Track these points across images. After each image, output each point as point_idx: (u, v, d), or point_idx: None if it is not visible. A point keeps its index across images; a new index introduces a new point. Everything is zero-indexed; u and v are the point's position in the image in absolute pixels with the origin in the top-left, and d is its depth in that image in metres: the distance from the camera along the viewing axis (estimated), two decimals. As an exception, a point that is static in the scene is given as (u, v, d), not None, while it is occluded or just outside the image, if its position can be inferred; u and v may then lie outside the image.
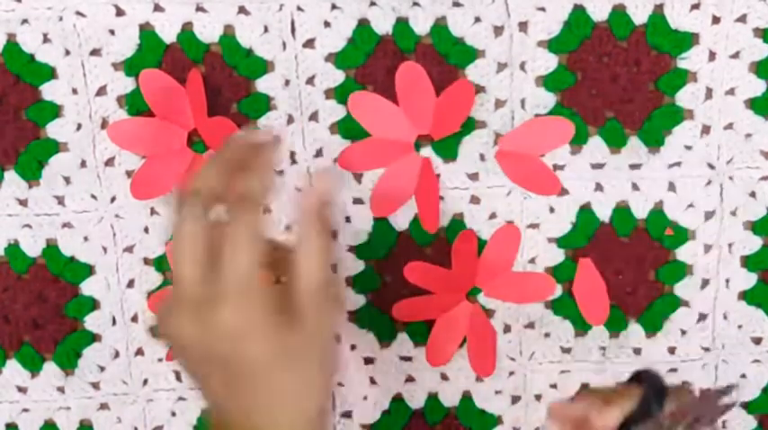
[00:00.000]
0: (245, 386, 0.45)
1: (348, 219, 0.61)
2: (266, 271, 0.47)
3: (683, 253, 0.61)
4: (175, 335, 0.45)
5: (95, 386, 0.62)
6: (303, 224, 0.46)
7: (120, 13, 0.57)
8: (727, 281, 0.62)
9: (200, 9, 0.57)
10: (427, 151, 0.60)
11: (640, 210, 0.60)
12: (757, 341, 0.63)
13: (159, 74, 0.57)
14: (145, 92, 0.57)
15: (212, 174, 0.46)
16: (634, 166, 0.60)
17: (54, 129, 0.59)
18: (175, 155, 0.58)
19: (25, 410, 0.63)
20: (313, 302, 0.45)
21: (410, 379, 0.63)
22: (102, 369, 0.62)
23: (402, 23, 0.58)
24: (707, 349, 0.63)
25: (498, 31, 0.58)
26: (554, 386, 0.63)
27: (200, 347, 0.44)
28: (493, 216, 0.60)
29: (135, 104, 0.58)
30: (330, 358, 0.47)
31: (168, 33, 0.58)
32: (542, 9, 0.57)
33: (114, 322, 0.61)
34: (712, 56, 0.58)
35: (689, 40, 0.58)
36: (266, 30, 0.58)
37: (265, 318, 0.44)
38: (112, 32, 0.58)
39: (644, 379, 0.50)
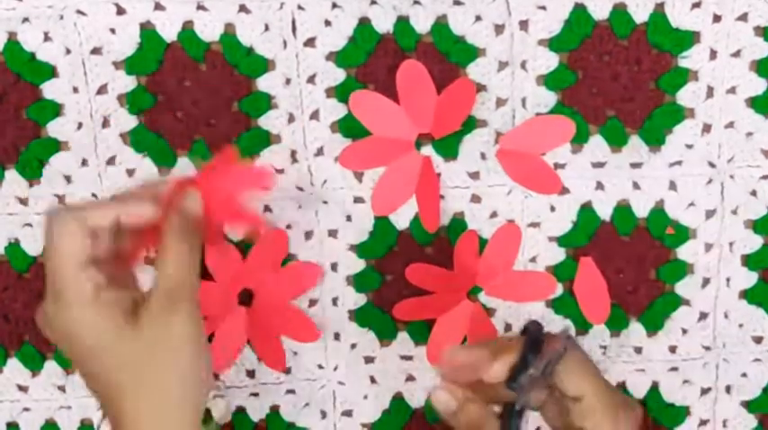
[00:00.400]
0: (95, 383, 0.47)
1: (349, 218, 0.61)
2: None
3: (684, 252, 0.61)
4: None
5: (96, 385, 0.62)
6: (169, 224, 0.47)
7: (120, 11, 0.57)
8: (728, 279, 0.62)
9: (200, 8, 0.57)
10: (428, 150, 0.60)
11: (641, 209, 0.60)
12: (758, 340, 0.63)
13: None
14: None
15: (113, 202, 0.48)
16: (635, 165, 0.60)
17: (55, 128, 0.59)
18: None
19: (26, 409, 0.63)
20: (156, 312, 0.45)
21: (410, 378, 0.63)
22: (103, 368, 0.62)
23: (403, 22, 0.58)
24: (708, 348, 0.63)
25: (499, 29, 0.58)
26: (555, 385, 0.63)
27: (57, 345, 0.47)
28: (494, 215, 0.60)
29: (135, 103, 0.58)
30: (187, 361, 0.46)
31: (169, 32, 0.58)
32: (543, 8, 0.57)
33: (115, 321, 0.61)
34: (713, 54, 0.58)
35: (690, 38, 0.58)
36: (267, 28, 0.58)
37: (95, 323, 0.45)
38: (113, 31, 0.58)
39: (526, 331, 0.50)
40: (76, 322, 0.45)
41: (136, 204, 0.47)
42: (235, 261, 0.60)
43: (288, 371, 0.63)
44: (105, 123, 0.59)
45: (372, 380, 0.63)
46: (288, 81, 0.58)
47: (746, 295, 0.62)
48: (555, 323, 0.62)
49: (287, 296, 0.60)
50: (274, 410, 0.63)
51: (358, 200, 0.60)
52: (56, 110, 0.59)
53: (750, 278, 0.62)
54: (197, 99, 0.59)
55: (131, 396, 0.46)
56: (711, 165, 0.60)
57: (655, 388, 0.63)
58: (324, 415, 0.63)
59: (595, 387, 0.50)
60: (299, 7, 0.57)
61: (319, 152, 0.60)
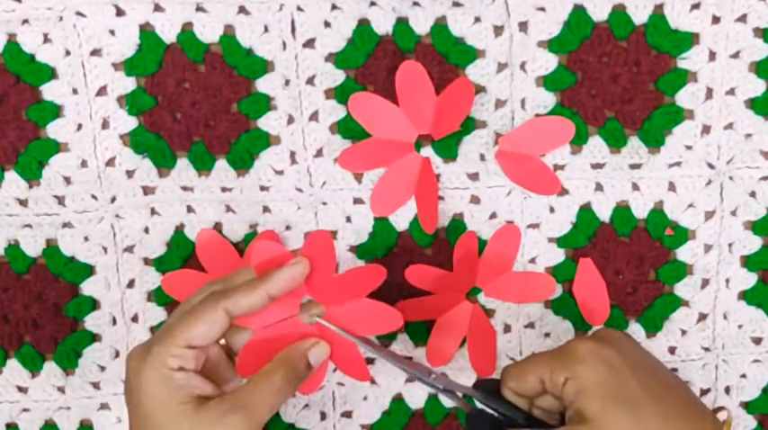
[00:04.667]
0: None
1: (348, 219, 0.61)
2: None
3: (684, 253, 0.61)
4: None
5: (96, 386, 0.62)
6: (280, 355, 0.53)
7: (120, 13, 0.57)
8: (728, 281, 0.62)
9: (200, 9, 0.57)
10: (427, 151, 0.60)
11: (640, 210, 0.60)
12: (757, 341, 0.63)
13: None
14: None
15: (236, 276, 0.54)
16: (634, 166, 0.60)
17: (54, 130, 0.59)
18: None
19: (25, 410, 0.63)
20: (239, 409, 0.50)
21: (410, 379, 0.63)
22: (103, 369, 0.62)
23: (402, 23, 0.58)
24: (707, 349, 0.63)
25: (498, 31, 0.58)
26: (554, 386, 0.63)
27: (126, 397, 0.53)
28: (493, 216, 0.60)
29: (135, 105, 0.58)
30: None
31: (168, 33, 0.58)
32: (542, 9, 0.57)
33: (114, 322, 0.61)
34: (712, 56, 0.58)
35: (689, 40, 0.58)
36: (266, 30, 0.58)
37: (158, 385, 0.50)
38: (113, 33, 0.58)
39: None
40: (145, 385, 0.50)
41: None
42: (230, 257, 0.60)
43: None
44: (105, 124, 0.59)
45: (372, 381, 0.63)
46: (287, 82, 0.58)
47: (746, 296, 0.62)
48: (554, 324, 0.62)
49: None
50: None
51: (357, 201, 0.60)
52: (55, 111, 0.59)
53: (749, 279, 0.62)
54: (196, 100, 0.59)
55: None
56: (711, 166, 0.60)
57: (654, 389, 0.63)
58: (323, 416, 0.63)
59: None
60: (299, 8, 0.57)
61: (319, 153, 0.60)
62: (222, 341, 0.54)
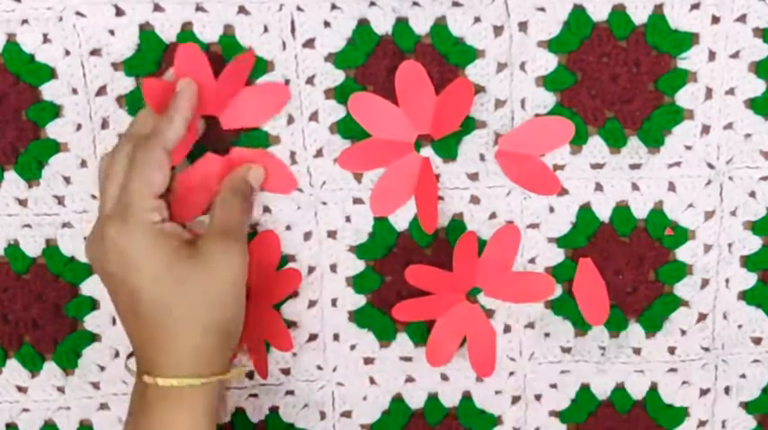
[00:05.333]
0: (138, 310, 0.52)
1: (348, 219, 0.61)
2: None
3: (683, 253, 0.61)
4: (87, 254, 0.54)
5: (95, 386, 0.62)
6: (224, 184, 0.56)
7: (119, 13, 0.57)
8: (727, 281, 0.62)
9: (199, 9, 0.57)
10: (427, 151, 0.60)
11: (640, 210, 0.60)
12: (757, 341, 0.63)
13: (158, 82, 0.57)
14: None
15: (141, 121, 0.55)
16: (634, 166, 0.60)
17: (54, 130, 0.59)
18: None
19: (25, 410, 0.63)
20: (215, 244, 0.52)
21: (410, 379, 0.63)
22: (103, 369, 0.62)
23: (402, 23, 0.58)
24: (707, 349, 0.63)
25: (498, 31, 0.58)
26: (554, 386, 0.63)
27: (98, 265, 0.53)
28: (493, 216, 0.61)
29: (135, 105, 0.58)
30: (228, 299, 0.53)
31: (168, 33, 0.58)
32: (542, 9, 0.57)
33: (114, 322, 0.61)
34: (712, 56, 0.58)
35: (689, 39, 0.58)
36: (266, 30, 0.58)
37: (152, 242, 0.51)
38: (112, 32, 0.58)
39: None
40: (138, 241, 0.51)
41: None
42: None
43: (287, 372, 0.63)
44: (104, 124, 0.59)
45: (372, 381, 0.63)
46: (287, 82, 0.58)
47: (745, 296, 0.62)
48: (554, 324, 0.62)
49: (270, 300, 0.60)
50: (274, 411, 0.63)
51: (357, 201, 0.60)
52: (55, 111, 0.59)
53: (749, 279, 0.62)
54: (196, 100, 0.59)
55: (171, 319, 0.51)
56: (710, 166, 0.60)
57: (654, 389, 0.63)
58: (323, 416, 0.63)
59: None
60: (299, 8, 0.57)
61: (318, 153, 0.60)
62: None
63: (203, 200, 0.57)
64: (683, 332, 0.62)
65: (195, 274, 0.52)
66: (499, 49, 0.58)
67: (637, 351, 0.62)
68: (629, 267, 0.61)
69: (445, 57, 0.58)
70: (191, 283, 0.51)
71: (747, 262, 0.61)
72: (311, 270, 0.61)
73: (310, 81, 0.59)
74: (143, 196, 0.52)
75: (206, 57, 0.56)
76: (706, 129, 0.59)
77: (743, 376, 0.63)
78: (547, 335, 0.62)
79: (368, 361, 0.63)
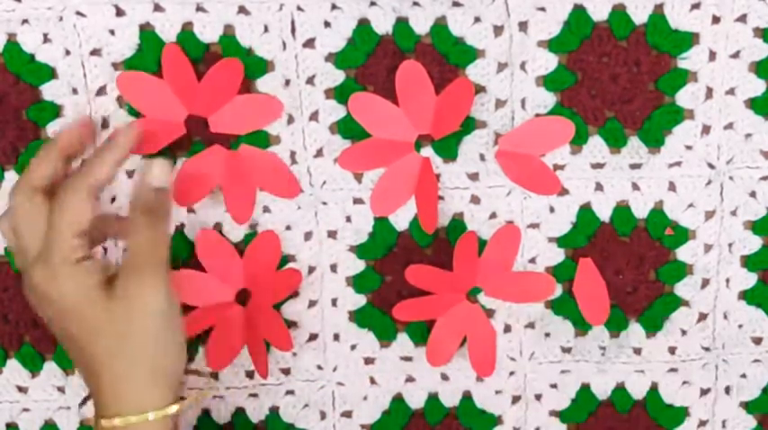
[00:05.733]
0: (76, 351, 0.52)
1: (348, 219, 0.61)
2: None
3: (684, 253, 0.61)
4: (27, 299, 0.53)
5: (95, 386, 0.62)
6: (130, 201, 0.53)
7: (120, 13, 0.57)
8: (728, 280, 0.62)
9: (200, 9, 0.57)
10: (427, 151, 0.60)
11: (640, 210, 0.60)
12: (757, 341, 0.63)
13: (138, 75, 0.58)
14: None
15: (42, 161, 0.54)
16: (634, 166, 0.60)
17: (54, 130, 0.59)
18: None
19: (25, 410, 0.63)
20: (128, 278, 0.51)
21: (410, 379, 0.63)
22: (103, 369, 0.62)
23: (402, 23, 0.58)
24: (707, 349, 0.63)
25: (498, 30, 0.58)
26: (554, 386, 0.63)
27: (37, 311, 0.52)
28: (493, 216, 0.61)
29: (135, 104, 0.59)
30: (151, 333, 0.51)
31: (168, 33, 0.58)
32: (542, 9, 0.57)
33: (114, 322, 0.61)
34: (712, 56, 0.58)
35: (689, 39, 0.58)
36: (266, 29, 0.58)
37: (74, 281, 0.50)
38: (112, 32, 0.58)
39: None
40: (60, 283, 0.50)
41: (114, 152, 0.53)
42: (230, 257, 0.60)
43: (287, 372, 0.63)
44: (105, 124, 0.59)
45: (372, 380, 0.63)
46: (287, 82, 0.58)
47: (746, 296, 0.62)
48: (554, 324, 0.62)
49: (270, 300, 0.60)
50: (274, 411, 0.63)
51: (357, 201, 0.60)
52: (55, 111, 0.59)
53: (749, 279, 0.62)
54: (196, 100, 0.59)
55: (107, 360, 0.51)
56: (711, 166, 0.60)
57: (654, 389, 0.63)
58: (323, 415, 0.63)
59: None
60: (299, 8, 0.57)
61: (319, 153, 0.60)
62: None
63: (204, 189, 0.58)
64: (684, 332, 0.62)
65: (114, 312, 0.50)
66: (499, 48, 0.58)
67: (637, 351, 0.62)
68: (630, 267, 0.61)
69: (445, 57, 0.58)
70: (113, 321, 0.50)
71: (748, 262, 0.61)
72: (311, 270, 0.61)
73: (310, 81, 0.59)
74: (64, 237, 0.50)
75: (183, 55, 0.57)
76: (706, 129, 0.59)
77: (743, 376, 0.63)
78: (547, 334, 0.62)
79: (368, 361, 0.63)
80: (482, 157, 0.60)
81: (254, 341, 0.60)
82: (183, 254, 0.60)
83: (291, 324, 0.62)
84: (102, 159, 0.53)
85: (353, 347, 0.63)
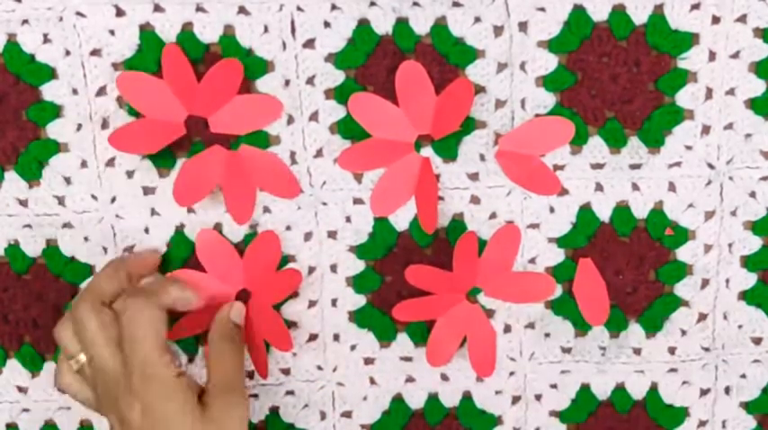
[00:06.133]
0: None
1: (348, 220, 0.61)
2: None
3: (683, 253, 0.61)
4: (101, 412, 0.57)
5: (95, 386, 0.62)
6: (211, 333, 0.57)
7: (120, 13, 0.57)
8: (728, 281, 0.62)
9: (200, 9, 0.57)
10: (427, 151, 0.60)
11: (640, 210, 0.60)
12: (757, 341, 0.63)
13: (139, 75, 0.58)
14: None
15: (110, 277, 0.57)
16: (634, 166, 0.60)
17: (54, 130, 0.59)
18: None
19: (25, 410, 0.63)
20: (219, 399, 0.55)
21: (410, 379, 0.63)
22: (103, 369, 0.62)
23: (402, 23, 0.58)
24: (707, 349, 0.63)
25: (498, 31, 0.58)
26: (554, 386, 0.63)
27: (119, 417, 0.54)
28: (493, 216, 0.61)
29: (135, 104, 0.59)
30: None
31: (168, 33, 0.58)
32: (542, 9, 0.57)
33: (114, 322, 0.61)
34: (712, 56, 0.58)
35: (689, 40, 0.58)
36: (266, 30, 0.58)
37: (177, 398, 0.53)
38: (112, 33, 0.58)
39: None
40: (167, 397, 0.53)
41: (185, 292, 0.58)
42: (230, 258, 0.60)
43: (287, 372, 0.63)
44: (105, 125, 0.59)
45: (372, 381, 0.63)
46: (287, 82, 0.59)
47: (746, 296, 0.62)
48: (554, 324, 0.62)
49: (270, 300, 0.60)
50: (274, 411, 0.63)
51: (357, 201, 0.60)
52: (55, 111, 0.59)
53: (749, 279, 0.62)
54: (196, 100, 0.59)
55: None
56: (710, 166, 0.60)
57: (654, 389, 0.63)
58: (323, 416, 0.63)
59: None
60: (299, 9, 0.57)
61: (318, 153, 0.60)
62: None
63: (204, 189, 0.58)
64: (684, 332, 0.62)
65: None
66: (499, 49, 0.58)
67: (637, 351, 0.62)
68: (630, 267, 0.61)
69: (445, 57, 0.58)
70: None
71: (747, 262, 0.61)
72: (311, 270, 0.61)
73: (310, 81, 0.59)
74: (159, 353, 0.54)
75: (183, 55, 0.57)
76: (706, 130, 0.59)
77: (743, 376, 0.63)
78: (547, 335, 0.62)
79: (368, 361, 0.63)
80: (482, 158, 0.60)
81: (253, 341, 0.60)
82: (183, 254, 0.61)
83: (291, 324, 0.62)
84: (176, 283, 0.58)
85: (353, 347, 0.63)
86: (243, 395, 0.56)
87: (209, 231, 0.60)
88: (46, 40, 0.58)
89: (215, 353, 0.57)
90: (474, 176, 0.60)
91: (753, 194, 0.60)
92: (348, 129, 0.59)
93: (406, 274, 0.59)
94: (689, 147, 0.59)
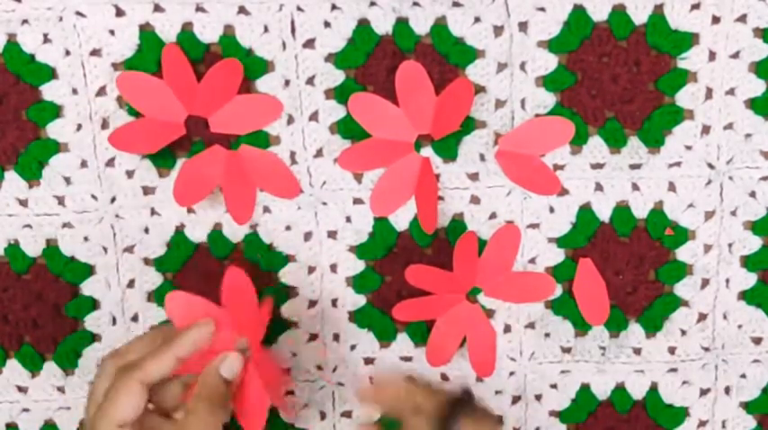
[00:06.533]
0: None
1: (348, 219, 0.61)
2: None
3: (683, 253, 0.61)
4: None
5: (95, 386, 0.62)
6: (197, 387, 0.53)
7: (120, 13, 0.57)
8: (727, 281, 0.62)
9: (200, 9, 0.57)
10: (427, 151, 0.60)
11: (640, 210, 0.60)
12: (757, 341, 0.63)
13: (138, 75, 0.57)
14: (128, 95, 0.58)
15: (134, 348, 0.54)
16: (634, 166, 0.60)
17: (54, 130, 0.59)
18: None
19: (25, 410, 0.63)
20: None
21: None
22: (103, 369, 0.62)
23: (402, 23, 0.58)
24: (707, 349, 0.63)
25: (498, 31, 0.58)
26: (554, 386, 0.63)
27: None
28: (493, 216, 0.61)
29: (135, 104, 0.59)
30: None
31: (168, 33, 0.58)
32: (542, 9, 0.57)
33: (114, 322, 0.61)
34: (712, 56, 0.58)
35: (689, 40, 0.58)
36: (266, 30, 0.58)
37: None
38: (112, 33, 0.58)
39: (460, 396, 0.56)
40: None
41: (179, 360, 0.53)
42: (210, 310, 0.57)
43: (287, 372, 0.63)
44: (104, 125, 0.59)
45: (372, 381, 0.63)
46: (287, 82, 0.59)
47: (745, 296, 0.62)
48: (554, 324, 0.62)
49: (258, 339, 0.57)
50: (274, 411, 0.63)
51: (357, 201, 0.60)
52: (55, 111, 0.59)
53: (749, 279, 0.62)
54: (196, 100, 0.59)
55: None
56: (710, 166, 0.60)
57: (654, 389, 0.63)
58: (323, 416, 0.63)
59: None
60: (299, 9, 0.57)
61: (318, 153, 0.60)
62: (150, 406, 0.53)
63: (204, 189, 0.58)
64: (684, 332, 0.62)
65: None
66: (499, 49, 0.58)
67: (637, 351, 0.62)
68: (630, 267, 0.61)
69: (445, 57, 0.58)
70: None
71: (747, 262, 0.61)
72: (311, 270, 0.61)
73: (310, 81, 0.59)
74: (105, 427, 0.51)
75: (183, 55, 0.56)
76: (706, 130, 0.59)
77: (743, 376, 0.63)
78: (547, 335, 0.62)
79: (368, 361, 0.63)
80: (482, 157, 0.60)
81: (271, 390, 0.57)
82: (183, 255, 0.60)
83: (291, 324, 0.62)
84: (160, 356, 0.52)
85: (353, 347, 0.63)
86: None
87: (237, 270, 0.56)
88: (46, 40, 0.58)
89: (192, 409, 0.53)
90: (474, 176, 0.60)
91: (753, 194, 0.60)
92: (348, 129, 0.59)
93: (406, 274, 0.59)
94: (689, 147, 0.59)
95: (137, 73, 0.57)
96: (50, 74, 0.58)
